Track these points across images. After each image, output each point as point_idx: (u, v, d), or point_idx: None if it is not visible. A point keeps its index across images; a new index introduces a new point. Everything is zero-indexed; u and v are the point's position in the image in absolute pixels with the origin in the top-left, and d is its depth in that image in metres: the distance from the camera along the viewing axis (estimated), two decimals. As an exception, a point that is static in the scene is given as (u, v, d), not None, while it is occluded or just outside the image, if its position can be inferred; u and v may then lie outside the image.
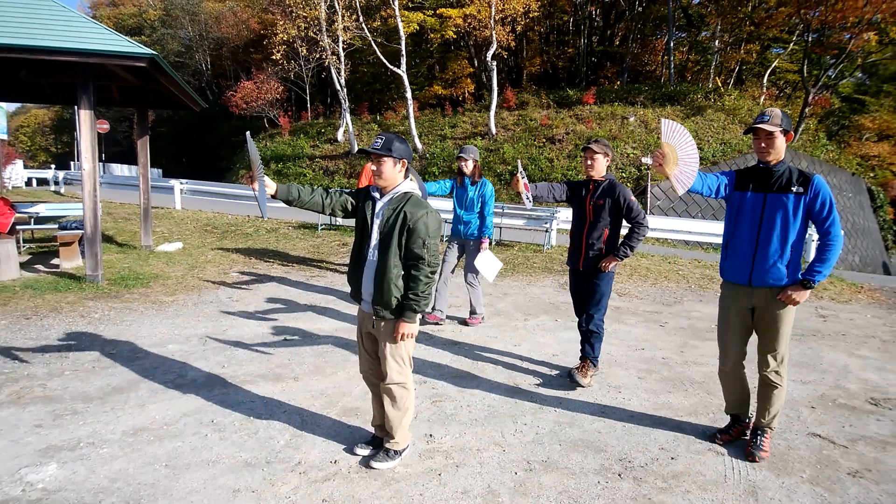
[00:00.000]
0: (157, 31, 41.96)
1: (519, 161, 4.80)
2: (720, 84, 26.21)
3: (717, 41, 27.52)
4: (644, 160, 16.46)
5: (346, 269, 8.34)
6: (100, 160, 8.89)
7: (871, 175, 24.76)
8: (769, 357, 3.25)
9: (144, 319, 5.57)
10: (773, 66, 27.25)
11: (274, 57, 22.92)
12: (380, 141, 2.78)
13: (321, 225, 11.68)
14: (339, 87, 22.45)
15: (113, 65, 6.46)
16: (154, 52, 6.31)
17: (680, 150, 3.10)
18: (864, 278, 10.63)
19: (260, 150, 26.20)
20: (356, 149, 22.86)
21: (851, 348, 5.79)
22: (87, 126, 6.63)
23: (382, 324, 2.91)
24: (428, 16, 24.71)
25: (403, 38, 21.02)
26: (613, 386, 4.37)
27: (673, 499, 2.86)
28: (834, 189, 19.89)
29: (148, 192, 9.12)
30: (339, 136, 24.81)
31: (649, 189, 16.42)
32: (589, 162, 4.17)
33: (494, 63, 21.51)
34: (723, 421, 3.73)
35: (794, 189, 3.06)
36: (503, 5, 21.02)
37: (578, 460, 3.21)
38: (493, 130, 21.42)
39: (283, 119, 28.34)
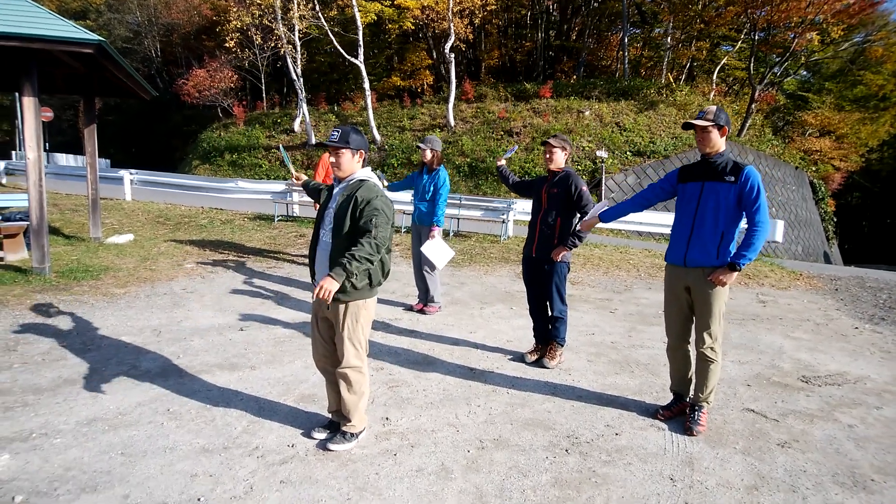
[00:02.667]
0: (103, 15, 40.24)
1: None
2: (672, 80, 26.93)
3: (669, 38, 28.23)
4: (598, 153, 16.84)
5: (303, 259, 8.35)
6: (44, 149, 8.55)
7: (814, 169, 25.91)
8: (704, 334, 3.46)
9: (95, 312, 5.46)
10: (723, 63, 28.14)
11: (227, 45, 22.37)
12: (336, 133, 2.90)
13: (277, 216, 11.57)
14: (295, 77, 22.12)
15: (58, 51, 6.27)
16: (101, 39, 6.15)
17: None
18: (805, 266, 11.20)
19: (213, 140, 25.68)
20: (313, 140, 22.60)
21: (787, 331, 6.15)
22: (30, 114, 6.41)
23: (340, 306, 2.97)
24: (386, 6, 24.53)
25: (361, 28, 20.85)
26: (564, 369, 4.55)
27: (615, 470, 3.04)
28: (778, 182, 20.78)
29: (96, 182, 8.86)
30: (296, 126, 24.46)
31: (604, 181, 16.81)
32: (548, 155, 4.41)
33: (452, 55, 21.56)
34: (665, 399, 3.95)
35: (727, 178, 3.31)
36: (461, -3, 21.08)
37: (528, 438, 3.36)
38: (452, 122, 21.50)
39: (237, 109, 27.70)
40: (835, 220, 26.26)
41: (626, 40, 27.40)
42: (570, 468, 3.05)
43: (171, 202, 13.44)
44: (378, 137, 21.54)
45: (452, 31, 21.19)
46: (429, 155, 5.75)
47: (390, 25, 24.75)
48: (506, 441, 3.31)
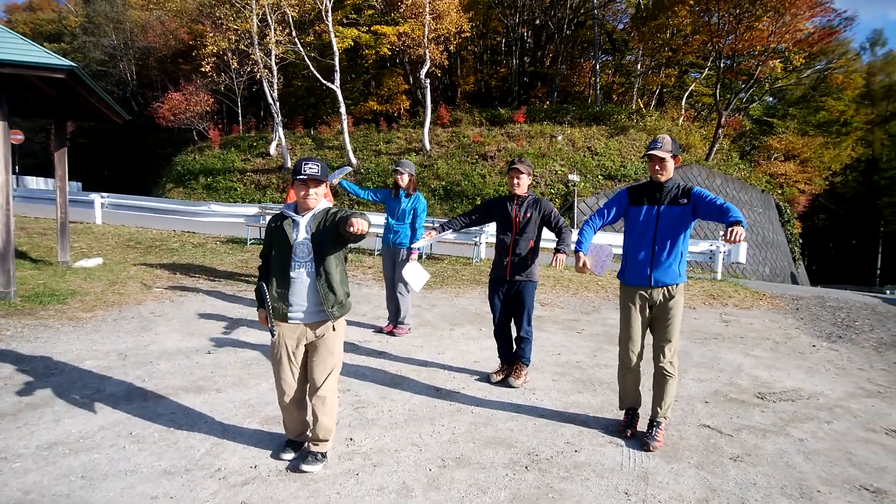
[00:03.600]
0: (77, 38, 40.12)
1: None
2: (642, 105, 27.70)
3: (639, 65, 29.14)
4: (571, 177, 17.18)
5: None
6: (13, 172, 8.49)
7: (780, 192, 26.72)
8: (666, 348, 3.62)
9: (60, 336, 5.41)
10: (691, 89, 29.05)
11: (203, 69, 22.45)
12: (317, 167, 2.91)
13: (250, 240, 11.55)
14: (271, 101, 22.26)
15: (29, 76, 6.28)
16: (73, 64, 6.19)
17: (591, 257, 3.80)
18: (768, 287, 11.52)
19: (188, 163, 25.54)
20: (289, 163, 22.65)
21: (747, 349, 6.34)
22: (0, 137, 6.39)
23: (333, 324, 3.09)
24: (363, 32, 24.91)
25: (337, 53, 21.13)
26: (528, 388, 4.64)
27: (572, 486, 3.12)
28: (745, 205, 21.37)
29: (66, 205, 8.80)
30: (272, 150, 24.50)
31: (576, 204, 17.14)
32: (515, 181, 4.48)
33: (428, 81, 21.94)
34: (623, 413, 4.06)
35: (681, 201, 3.52)
36: (436, 25, 21.51)
37: (489, 456, 3.43)
38: (428, 146, 21.77)
39: (213, 132, 27.65)
40: (801, 241, 27.01)
41: (598, 67, 28.18)
42: (529, 484, 3.12)
43: (142, 226, 13.33)
44: (354, 161, 21.68)
45: (428, 57, 21.59)
46: (406, 179, 5.85)
47: (367, 51, 25.11)
48: (467, 459, 3.37)
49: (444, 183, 19.62)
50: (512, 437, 3.71)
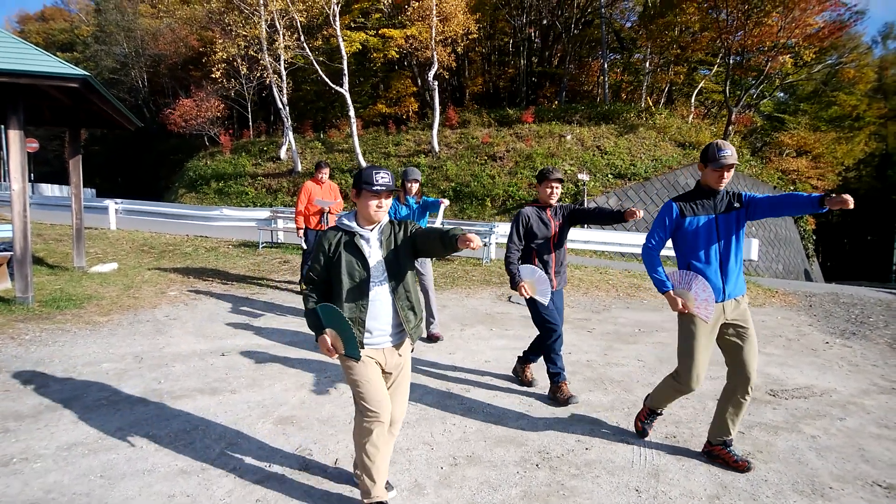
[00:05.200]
0: (90, 47, 40.61)
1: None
2: (651, 104, 27.57)
3: (648, 63, 29.00)
4: (580, 176, 17.15)
5: (288, 285, 8.44)
6: (29, 180, 8.66)
7: (792, 188, 26.47)
8: (755, 372, 3.33)
9: (77, 340, 5.51)
10: (700, 86, 28.87)
11: (214, 75, 22.67)
12: (389, 177, 2.63)
13: (262, 243, 11.67)
14: (281, 106, 22.43)
15: (44, 85, 6.41)
16: (86, 73, 6.30)
17: (690, 293, 3.28)
18: (781, 284, 11.45)
19: (200, 168, 25.77)
20: (300, 167, 22.81)
21: (760, 346, 6.24)
22: (16, 146, 6.52)
23: (412, 347, 2.93)
24: (370, 36, 25.03)
25: (346, 57, 21.25)
26: (540, 387, 4.66)
27: (583, 483, 3.14)
28: (756, 202, 21.17)
29: (80, 212, 8.94)
30: (282, 154, 24.69)
31: (586, 203, 17.10)
32: (549, 191, 4.31)
33: (436, 83, 22.00)
34: (634, 411, 4.06)
35: (735, 206, 3.31)
36: (443, 27, 21.57)
37: (501, 454, 3.46)
38: (437, 148, 21.83)
39: (224, 137, 27.93)
40: (814, 238, 26.74)
41: (606, 66, 28.10)
42: (540, 482, 3.15)
43: (155, 231, 13.50)
44: (364, 164, 21.78)
45: (435, 59, 21.65)
46: (416, 187, 5.84)
47: (375, 54, 25.22)
48: (478, 457, 3.40)
49: (453, 184, 19.65)
50: (523, 435, 3.74)
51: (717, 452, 3.45)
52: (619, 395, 4.55)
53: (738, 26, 20.71)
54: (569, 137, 21.09)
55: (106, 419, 3.75)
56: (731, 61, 22.43)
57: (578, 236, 13.83)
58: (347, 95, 21.38)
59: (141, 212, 14.92)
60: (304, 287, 2.71)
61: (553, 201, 4.38)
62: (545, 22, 32.03)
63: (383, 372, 2.75)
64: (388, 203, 2.66)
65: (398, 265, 2.69)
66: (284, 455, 3.34)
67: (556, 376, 4.40)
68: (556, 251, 4.37)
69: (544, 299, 4.00)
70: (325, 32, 24.00)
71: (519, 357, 4.89)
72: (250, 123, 30.33)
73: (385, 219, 2.73)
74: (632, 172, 18.81)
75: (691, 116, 26.95)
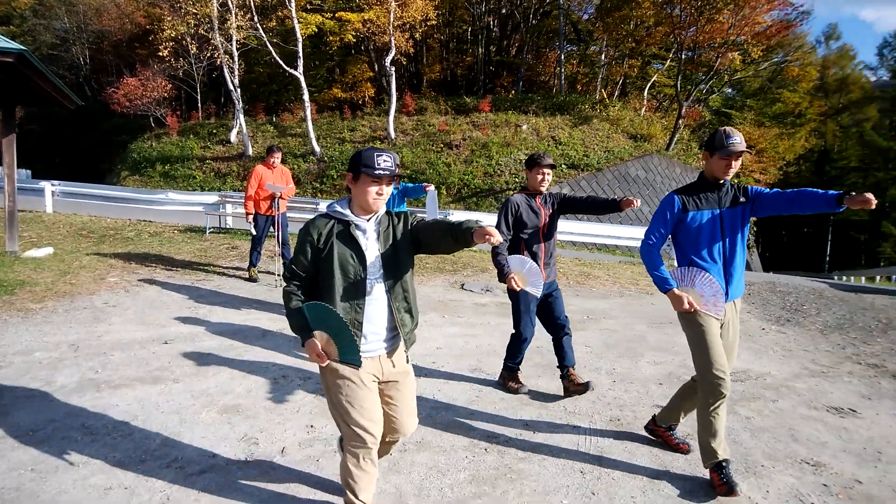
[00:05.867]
0: (27, 20, 38.25)
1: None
2: (606, 96, 28.05)
3: (603, 55, 29.44)
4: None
5: (236, 271, 8.23)
6: (-44, 159, 8.11)
7: (736, 181, 27.43)
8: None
9: (8, 328, 5.23)
10: (653, 80, 29.53)
11: (161, 54, 21.75)
12: (390, 160, 2.30)
13: (209, 228, 11.32)
14: (232, 88, 21.73)
15: (-30, 56, 6.02)
16: (23, 48, 5.96)
17: (695, 290, 3.05)
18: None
19: (145, 150, 24.79)
20: (251, 150, 22.22)
21: (701, 333, 6.52)
22: (-61, 121, 6.10)
23: (407, 354, 2.55)
24: (327, 18, 24.48)
25: (301, 39, 20.74)
26: (489, 373, 4.71)
27: (530, 466, 3.19)
28: (703, 194, 21.90)
29: (14, 194, 8.46)
30: (233, 137, 23.96)
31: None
32: (540, 178, 4.10)
33: (393, 68, 21.75)
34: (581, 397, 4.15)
35: (741, 201, 3.10)
36: (402, 12, 21.31)
37: (450, 440, 3.47)
38: (393, 135, 21.63)
39: (171, 119, 26.88)
40: (755, 229, 27.87)
41: (563, 57, 28.36)
42: (488, 466, 3.18)
43: (96, 214, 12.90)
44: (318, 149, 21.40)
45: (393, 44, 21.39)
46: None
47: (331, 38, 24.69)
48: (427, 443, 3.41)
49: (409, 171, 19.53)
50: (472, 420, 3.77)
51: (661, 434, 3.52)
52: (567, 381, 4.63)
53: (691, 22, 21.25)
54: (525, 127, 21.25)
55: (38, 411, 3.58)
56: (683, 56, 23.01)
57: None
58: (302, 79, 20.90)
59: (80, 194, 14.20)
60: (286, 282, 2.39)
61: (544, 188, 4.16)
62: (504, 11, 32.10)
63: (378, 383, 2.44)
64: (388, 190, 2.35)
65: (397, 261, 2.40)
66: (229, 444, 3.26)
67: (508, 369, 4.41)
68: (546, 241, 4.14)
69: (536, 291, 3.75)
70: (280, 13, 23.33)
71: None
72: (199, 105, 29.30)
73: (383, 209, 2.43)
74: (585, 163, 19.12)
75: (644, 109, 27.56)
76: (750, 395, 4.53)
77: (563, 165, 18.97)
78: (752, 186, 3.15)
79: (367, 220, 2.39)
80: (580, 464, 3.25)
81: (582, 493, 2.94)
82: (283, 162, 8.18)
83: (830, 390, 4.76)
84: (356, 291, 2.33)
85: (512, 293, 4.11)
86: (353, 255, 2.33)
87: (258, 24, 20.49)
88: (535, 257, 4.05)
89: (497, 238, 2.11)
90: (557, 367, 4.30)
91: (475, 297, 7.78)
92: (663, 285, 3.09)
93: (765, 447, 3.60)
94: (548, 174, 4.12)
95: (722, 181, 3.08)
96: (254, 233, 7.69)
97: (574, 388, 4.15)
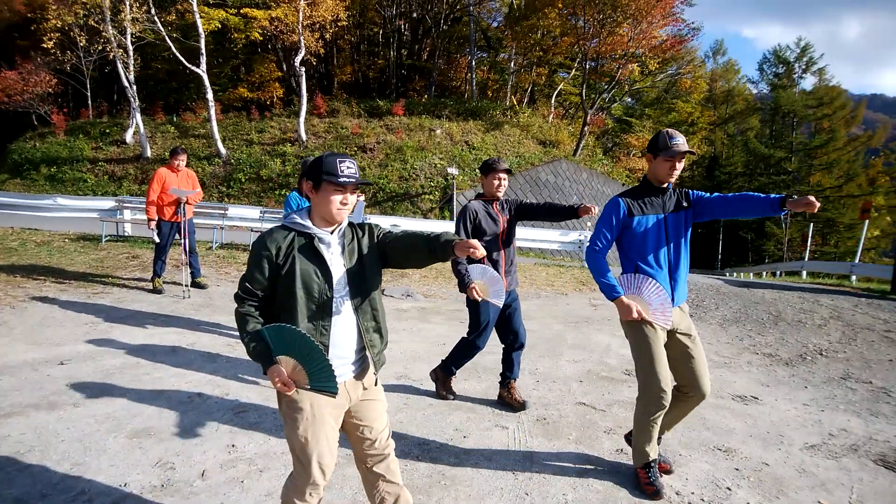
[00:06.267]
0: None
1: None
2: (516, 102, 28.87)
3: (512, 63, 30.28)
4: (449, 170, 17.49)
5: (138, 283, 7.67)
6: None
7: (676, 185, 29.23)
8: (707, 380, 3.12)
9: None
10: (560, 88, 30.76)
11: (45, 45, 19.96)
12: (353, 166, 2.16)
13: (105, 236, 10.50)
14: (127, 84, 20.30)
15: None
16: None
17: (642, 298, 2.99)
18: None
19: (27, 151, 22.67)
20: (148, 152, 20.89)
21: (614, 330, 6.85)
22: None
23: (376, 376, 2.37)
24: (231, 14, 23.47)
25: (203, 35, 19.75)
26: (416, 379, 4.68)
27: (464, 471, 3.19)
28: (608, 198, 23.06)
29: None
30: (128, 137, 22.39)
31: (455, 198, 17.49)
32: (497, 183, 3.99)
33: (303, 69, 21.22)
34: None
35: (684, 205, 3.07)
36: (311, 11, 20.84)
37: (381, 451, 3.40)
38: (304, 137, 21.10)
39: (56, 116, 24.71)
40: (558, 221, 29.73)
41: (474, 63, 28.90)
42: (421, 474, 3.15)
43: (-29, 221, 11.62)
44: (223, 151, 20.47)
45: (303, 44, 20.87)
46: None
47: (236, 35, 23.72)
48: (358, 456, 3.32)
49: (322, 175, 19.13)
50: (402, 428, 3.72)
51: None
52: (492, 382, 4.67)
53: (594, 34, 22.33)
54: (438, 132, 21.43)
55: None
56: (587, 66, 24.12)
57: (439, 228, 14.11)
58: (205, 77, 19.89)
59: (-49, 199, 12.77)
60: (238, 302, 2.15)
61: (500, 194, 4.03)
62: (415, 15, 32.26)
63: (347, 411, 2.25)
64: (353, 199, 2.18)
65: (364, 277, 2.21)
66: (142, 471, 3.01)
67: (448, 372, 4.34)
68: (506, 248, 4.05)
69: (499, 301, 3.59)
70: (180, 7, 22.12)
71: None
72: (89, 102, 27.17)
73: (346, 221, 2.26)
74: (498, 167, 19.52)
75: (551, 116, 28.62)
76: (663, 389, 4.78)
77: (477, 170, 19.29)
78: (693, 191, 3.13)
79: (331, 233, 2.20)
80: (511, 465, 3.29)
81: (516, 495, 2.98)
82: (188, 165, 7.73)
83: (734, 380, 5.14)
84: (321, 311, 2.13)
85: (472, 302, 3.99)
86: (318, 271, 2.13)
87: (156, 18, 19.29)
88: (495, 265, 3.96)
89: (481, 252, 2.00)
90: (501, 374, 4.29)
91: (395, 302, 7.72)
92: (610, 293, 3.01)
93: (680, 437, 3.81)
94: (504, 179, 4.02)
95: (665, 185, 3.06)
96: (157, 240, 7.21)
97: (510, 400, 4.17)
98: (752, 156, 39.98)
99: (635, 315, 2.93)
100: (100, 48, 20.77)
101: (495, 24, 32.98)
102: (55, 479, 2.90)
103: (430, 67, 31.84)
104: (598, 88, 27.45)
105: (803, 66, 41.73)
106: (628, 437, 3.43)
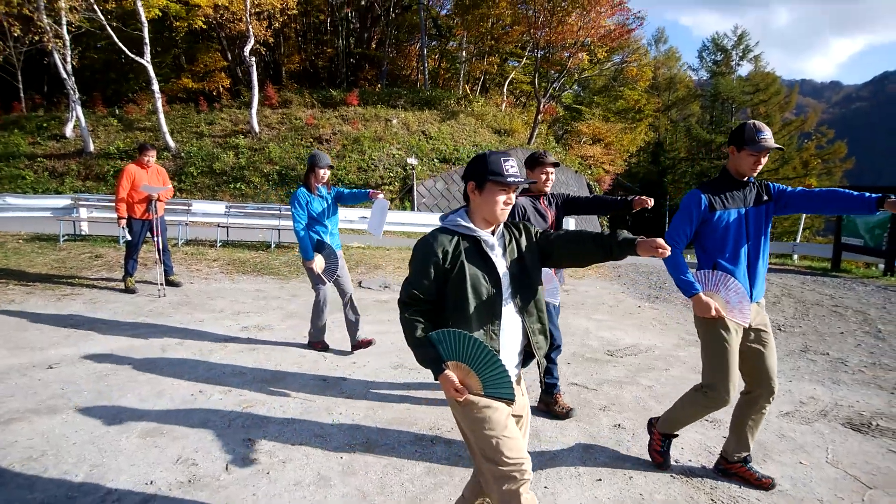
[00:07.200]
0: None
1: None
2: (469, 91, 29.02)
3: (464, 52, 30.36)
4: (409, 160, 17.51)
5: (108, 282, 7.44)
6: None
7: (589, 172, 29.85)
8: (776, 378, 3.05)
9: None
10: (511, 77, 31.06)
11: (-28, 35, 18.79)
12: (517, 165, 2.13)
13: (63, 236, 10.08)
14: (65, 76, 19.31)
15: None
16: None
17: (720, 296, 2.91)
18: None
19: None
20: (91, 146, 19.99)
21: (589, 314, 7.14)
22: None
23: (543, 378, 2.36)
24: (172, 2, 22.61)
25: (146, 23, 18.97)
26: (413, 368, 4.79)
27: (479, 453, 3.35)
28: (563, 185, 23.54)
29: None
30: (69, 131, 21.33)
31: (415, 188, 17.55)
32: (545, 177, 3.85)
33: (253, 59, 20.72)
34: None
35: (765, 199, 2.99)
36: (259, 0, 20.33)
37: (395, 436, 3.52)
38: (257, 129, 20.64)
39: (-14, 110, 23.33)
40: (608, 216, 30.55)
41: (425, 52, 28.82)
42: (439, 456, 3.28)
43: None
44: (172, 144, 19.79)
45: (251, 33, 20.35)
46: (328, 175, 5.05)
47: (178, 23, 22.87)
48: (375, 442, 3.43)
49: (277, 167, 18.80)
50: (411, 415, 3.84)
51: (736, 471, 3.17)
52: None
53: (545, 23, 22.65)
54: (395, 121, 21.37)
55: (-87, 459, 3.05)
56: (538, 55, 24.46)
57: (400, 218, 14.25)
58: (150, 67, 19.13)
59: None
60: (403, 308, 2.09)
61: (548, 189, 3.90)
62: (363, 3, 31.81)
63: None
64: (514, 199, 2.13)
65: (526, 278, 2.14)
66: (165, 469, 3.03)
67: (553, 386, 4.02)
68: None
69: (555, 300, 3.53)
70: (120, -7, 21.13)
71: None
72: (21, 95, 25.70)
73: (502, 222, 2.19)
74: (455, 157, 19.68)
75: (504, 105, 28.92)
76: (646, 367, 5.08)
77: (435, 160, 19.39)
78: (774, 184, 3.03)
79: (493, 234, 2.15)
80: (522, 444, 3.47)
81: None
82: (132, 158, 7.52)
83: (707, 355, 5.47)
84: (491, 316, 2.06)
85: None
86: (486, 275, 2.07)
87: (95, 6, 18.40)
88: None
89: (666, 252, 1.94)
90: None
91: (375, 294, 7.79)
92: (689, 290, 2.90)
93: (670, 410, 4.07)
94: (551, 173, 3.87)
95: (747, 178, 2.97)
96: (129, 238, 7.02)
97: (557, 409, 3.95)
98: (695, 141, 41.63)
99: (713, 313, 2.83)
100: (35, 38, 19.67)
101: (445, 12, 32.93)
102: (77, 482, 2.88)
103: (381, 56, 31.55)
104: (550, 77, 27.90)
105: (740, 54, 43.71)
106: (722, 468, 3.24)
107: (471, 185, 2.12)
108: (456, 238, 2.08)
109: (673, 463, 3.30)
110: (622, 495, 2.95)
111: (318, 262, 4.86)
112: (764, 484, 3.08)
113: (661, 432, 3.24)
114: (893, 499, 3.01)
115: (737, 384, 2.93)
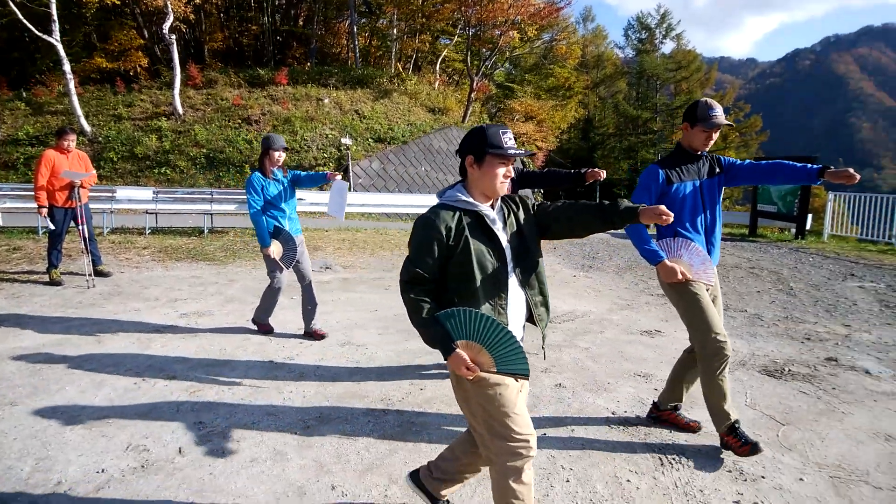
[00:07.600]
0: None
1: None
2: (401, 69, 28.76)
3: (395, 29, 30.00)
4: (343, 140, 17.30)
5: (31, 276, 7.06)
6: None
7: (523, 149, 30.46)
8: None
9: None
10: (443, 55, 31.00)
11: None
12: (513, 137, 2.13)
13: (-25, 228, 9.44)
14: (-37, 56, 17.84)
15: None
16: None
17: (684, 260, 3.04)
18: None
19: None
20: None
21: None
22: None
23: (543, 346, 2.41)
24: (81, -24, 21.16)
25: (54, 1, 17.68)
26: (360, 345, 4.88)
27: (429, 418, 3.51)
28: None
29: None
30: (-30, 116, 19.77)
31: (351, 168, 17.38)
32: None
33: (174, 37, 19.75)
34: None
35: (717, 170, 3.16)
36: (178, -26, 19.35)
37: (347, 410, 3.62)
38: (181, 110, 19.75)
39: None
40: (541, 192, 31.28)
41: (355, 29, 28.29)
42: (392, 425, 3.41)
43: None
44: (88, 128, 18.67)
45: (171, 9, 19.37)
46: (283, 158, 4.90)
47: (87, -1, 21.42)
48: (327, 416, 3.51)
49: (204, 150, 18.12)
50: (361, 389, 3.94)
51: (667, 417, 3.43)
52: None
53: (476, 1, 22.69)
54: (327, 101, 20.99)
55: None
56: (470, 33, 24.53)
57: (353, 200, 14.12)
58: (60, 46, 17.86)
59: None
60: (406, 288, 2.05)
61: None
62: (288, -23, 30.80)
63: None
64: (512, 173, 2.14)
65: (527, 251, 2.17)
66: (115, 456, 3.00)
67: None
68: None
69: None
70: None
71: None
72: (-88, 77, 23.48)
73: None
74: (391, 136, 19.60)
75: (437, 83, 28.87)
76: (582, 330, 5.37)
77: (370, 139, 19.24)
78: (725, 157, 3.21)
79: (492, 208, 2.17)
80: (471, 409, 3.64)
81: (481, 433, 3.33)
82: (45, 144, 7.15)
83: (638, 318, 5.84)
84: (497, 290, 2.06)
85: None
86: (490, 250, 2.07)
87: (-7, -21, 16.97)
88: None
89: (670, 218, 2.00)
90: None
91: (316, 275, 7.74)
92: (654, 258, 3.05)
93: (606, 368, 4.37)
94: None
95: (700, 152, 3.14)
96: (52, 228, 6.68)
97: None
98: (622, 117, 43.04)
99: (679, 277, 2.97)
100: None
101: (374, -11, 32.31)
102: (24, 476, 2.82)
103: (309, 34, 30.70)
104: (482, 55, 28.05)
105: (663, 32, 45.32)
106: (653, 416, 3.46)
107: (469, 158, 2.11)
108: (458, 214, 2.07)
109: (609, 415, 3.56)
110: (566, 446, 3.18)
111: (276, 249, 4.80)
112: (692, 427, 3.36)
113: (723, 432, 3.11)
114: (803, 433, 3.38)
115: (723, 329, 3.02)
